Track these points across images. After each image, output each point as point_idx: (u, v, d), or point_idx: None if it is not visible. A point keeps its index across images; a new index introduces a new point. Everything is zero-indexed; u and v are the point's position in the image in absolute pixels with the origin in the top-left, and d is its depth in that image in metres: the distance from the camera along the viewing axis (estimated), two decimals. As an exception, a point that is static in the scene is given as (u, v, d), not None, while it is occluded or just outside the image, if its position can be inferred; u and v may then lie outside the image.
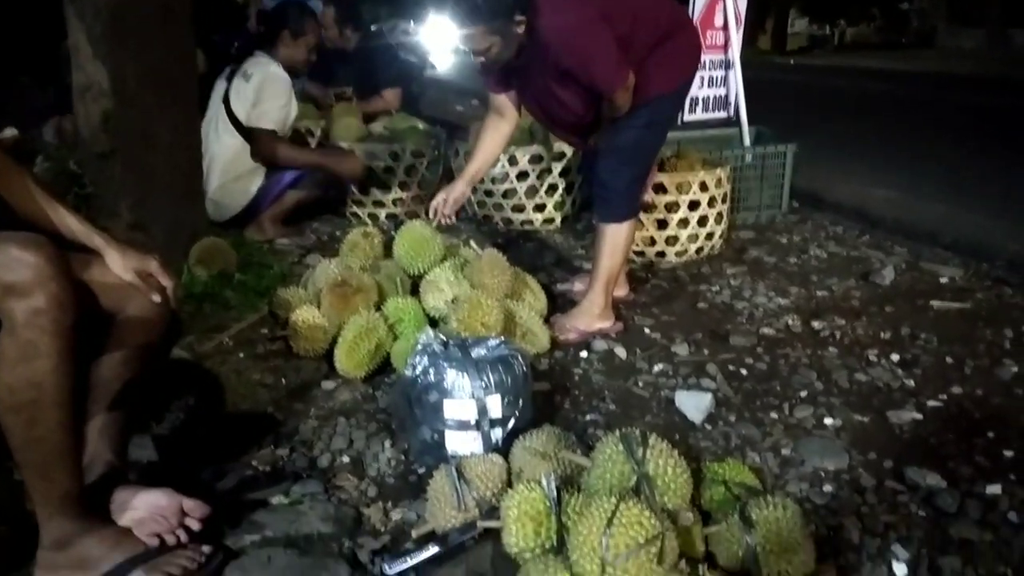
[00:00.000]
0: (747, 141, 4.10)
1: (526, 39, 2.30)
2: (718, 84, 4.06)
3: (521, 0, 2.25)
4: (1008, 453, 1.84)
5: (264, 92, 3.40)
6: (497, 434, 1.72)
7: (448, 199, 2.61)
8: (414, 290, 2.50)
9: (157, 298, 1.56)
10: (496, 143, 2.68)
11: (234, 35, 8.21)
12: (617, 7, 2.34)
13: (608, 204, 2.53)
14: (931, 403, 2.09)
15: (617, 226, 2.51)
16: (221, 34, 8.18)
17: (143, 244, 2.56)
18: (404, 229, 2.61)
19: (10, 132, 4.64)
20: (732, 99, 4.09)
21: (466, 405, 1.70)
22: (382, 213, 3.88)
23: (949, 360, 2.34)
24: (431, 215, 2.64)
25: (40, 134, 4.44)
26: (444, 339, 1.83)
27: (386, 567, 1.44)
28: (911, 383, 2.21)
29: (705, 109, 4.04)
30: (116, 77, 2.57)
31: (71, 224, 1.52)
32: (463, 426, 1.71)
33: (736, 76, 4.05)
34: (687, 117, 3.96)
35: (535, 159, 3.71)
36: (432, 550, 1.45)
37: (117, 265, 1.53)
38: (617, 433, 1.45)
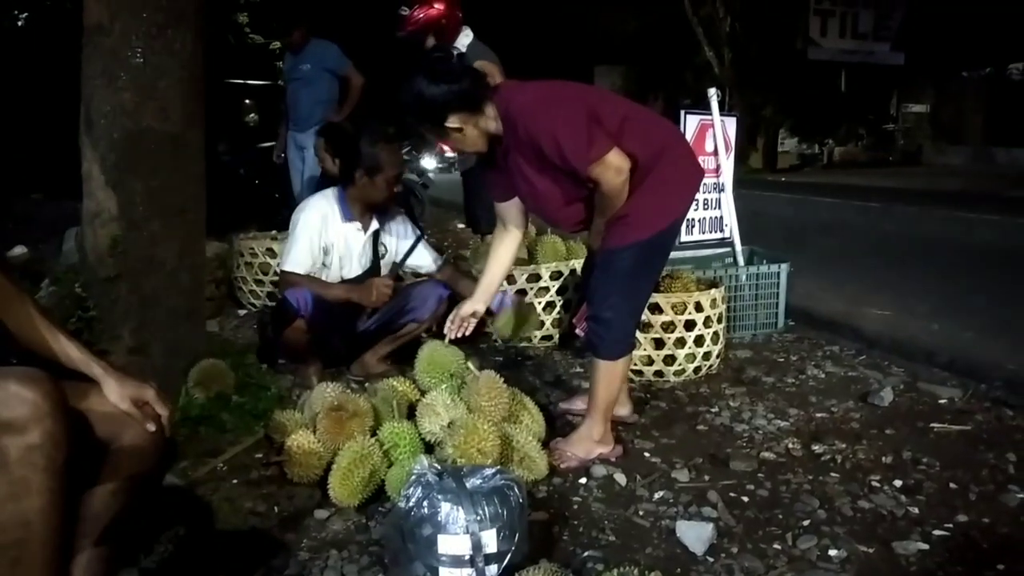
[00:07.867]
0: (741, 261, 4.18)
1: (500, 130, 2.32)
2: (713, 206, 4.18)
3: (456, 101, 2.27)
4: (1019, 588, 1.79)
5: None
6: (492, 570, 1.68)
7: (460, 315, 2.65)
8: (411, 413, 2.49)
9: (152, 427, 1.55)
10: (504, 256, 2.68)
11: (243, 155, 8.55)
12: (601, 102, 2.32)
13: (603, 341, 2.44)
14: (937, 532, 2.05)
15: (612, 362, 2.47)
16: (231, 154, 8.50)
17: (142, 367, 2.57)
18: (423, 348, 2.68)
19: (20, 250, 4.75)
20: (727, 220, 4.20)
21: (460, 540, 1.66)
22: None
23: (953, 486, 2.31)
24: (446, 332, 2.67)
25: (50, 250, 4.54)
26: (439, 468, 1.81)
27: None
28: (915, 511, 2.17)
29: (702, 231, 4.16)
30: (125, 204, 2.64)
31: (71, 352, 1.53)
32: (457, 562, 1.66)
33: (728, 200, 4.17)
34: (684, 238, 4.07)
35: (532, 278, 3.77)
36: None
37: (114, 394, 1.52)
38: (615, 573, 1.42)
